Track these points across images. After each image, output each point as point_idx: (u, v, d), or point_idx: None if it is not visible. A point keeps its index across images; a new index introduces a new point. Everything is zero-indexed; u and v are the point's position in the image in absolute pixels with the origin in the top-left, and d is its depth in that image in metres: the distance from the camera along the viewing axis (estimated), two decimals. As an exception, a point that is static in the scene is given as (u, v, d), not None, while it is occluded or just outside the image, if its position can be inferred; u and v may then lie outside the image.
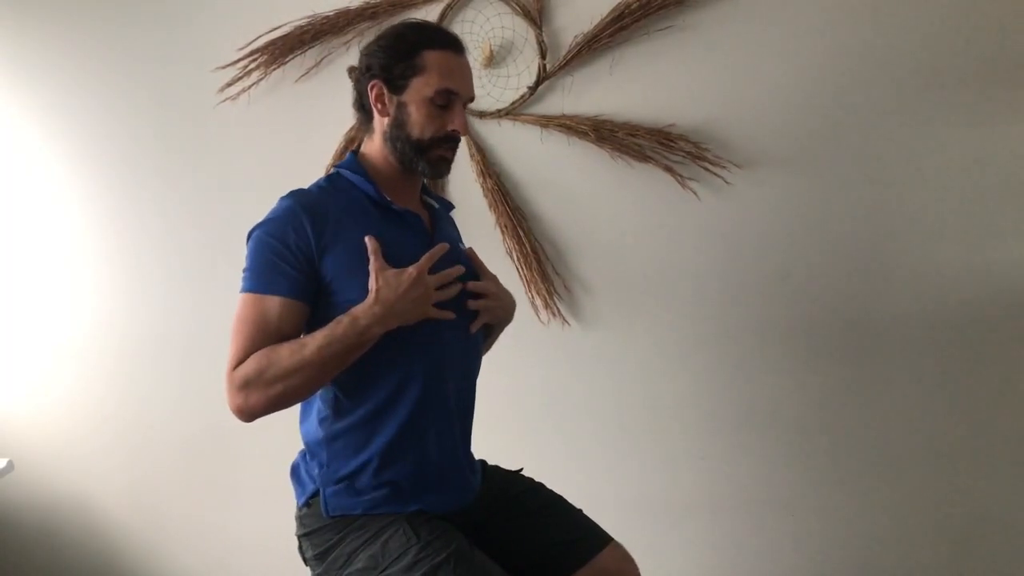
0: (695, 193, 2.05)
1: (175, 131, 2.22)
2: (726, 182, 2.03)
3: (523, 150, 2.11)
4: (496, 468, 1.62)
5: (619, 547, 1.56)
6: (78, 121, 2.25)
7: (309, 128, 2.16)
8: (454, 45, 1.43)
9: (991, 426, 2.08)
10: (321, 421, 1.44)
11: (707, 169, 2.03)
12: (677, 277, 2.11)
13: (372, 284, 1.32)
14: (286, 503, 2.32)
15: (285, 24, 2.11)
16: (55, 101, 2.25)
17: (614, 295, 2.15)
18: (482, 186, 2.11)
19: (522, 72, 2.08)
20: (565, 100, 2.08)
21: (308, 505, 1.44)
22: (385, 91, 1.42)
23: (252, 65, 2.14)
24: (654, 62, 2.04)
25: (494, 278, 1.56)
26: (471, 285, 1.48)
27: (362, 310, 1.30)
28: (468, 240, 2.14)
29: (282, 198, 1.42)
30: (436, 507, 1.42)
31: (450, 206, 1.68)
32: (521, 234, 2.10)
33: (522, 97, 2.08)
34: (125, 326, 2.30)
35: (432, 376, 1.42)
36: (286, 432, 2.27)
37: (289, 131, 2.18)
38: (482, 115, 2.10)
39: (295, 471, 1.52)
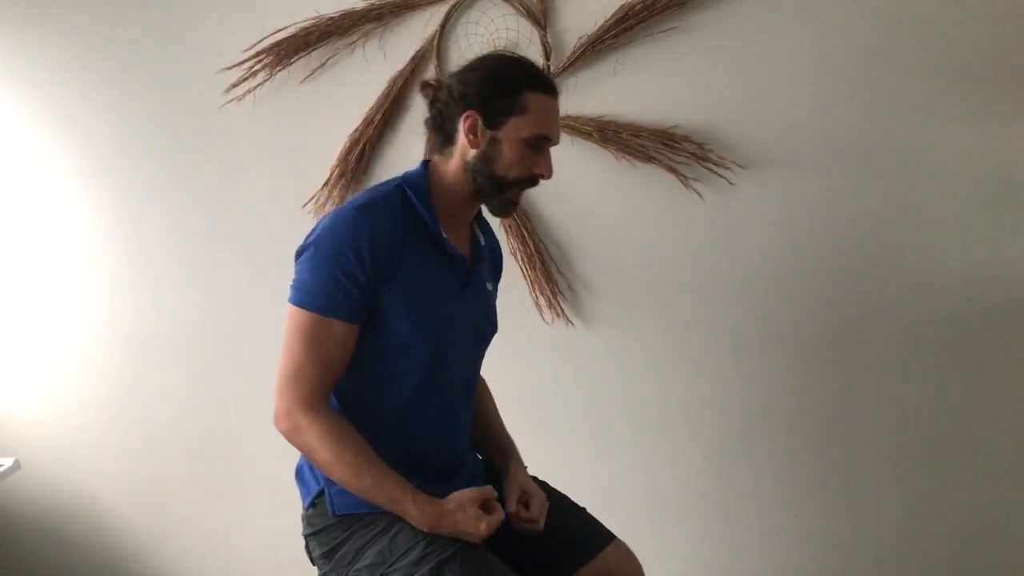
0: (699, 194, 2.05)
1: (181, 131, 2.23)
2: (730, 183, 2.04)
3: (527, 151, 2.12)
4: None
5: (622, 545, 1.57)
6: (83, 121, 2.26)
7: (314, 129, 2.17)
8: (553, 90, 1.43)
9: (993, 426, 2.08)
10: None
11: (711, 170, 2.03)
12: (680, 277, 2.12)
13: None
14: (292, 504, 2.33)
15: (290, 25, 2.11)
16: (60, 101, 2.26)
17: (617, 295, 2.15)
18: (486, 187, 2.12)
19: (526, 73, 2.09)
20: (569, 101, 2.08)
21: (314, 505, 1.45)
22: (480, 123, 1.39)
23: (257, 66, 2.15)
24: (658, 63, 2.05)
25: (542, 497, 1.51)
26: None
27: (418, 508, 1.33)
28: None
29: (353, 207, 1.37)
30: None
31: (495, 243, 1.67)
32: (525, 234, 2.10)
33: (526, 98, 2.09)
34: (131, 326, 2.31)
35: (438, 383, 1.44)
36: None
37: (294, 132, 2.18)
38: (486, 116, 2.11)
39: (300, 472, 1.52)
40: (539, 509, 1.47)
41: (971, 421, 2.08)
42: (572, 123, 2.07)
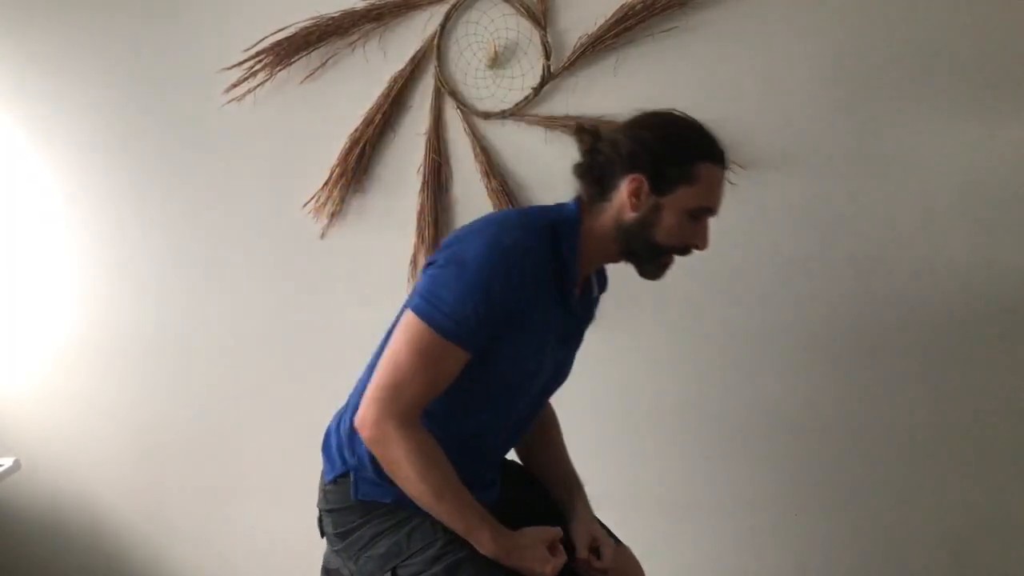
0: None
1: (181, 131, 2.23)
2: (730, 183, 2.01)
3: (527, 151, 2.12)
4: (512, 463, 1.64)
5: (625, 549, 1.57)
6: (84, 120, 2.26)
7: (314, 129, 2.17)
8: (725, 160, 1.38)
9: (994, 425, 2.08)
10: None
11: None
12: (680, 277, 2.08)
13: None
14: (293, 506, 2.34)
15: (291, 25, 2.11)
16: (60, 100, 2.25)
17: (616, 294, 2.13)
18: (486, 186, 2.12)
19: (526, 73, 2.09)
20: (569, 101, 2.09)
21: (335, 482, 1.43)
22: (646, 188, 1.33)
23: (258, 66, 2.15)
24: (658, 63, 2.05)
25: (612, 546, 1.51)
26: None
27: (494, 539, 1.31)
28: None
29: (512, 240, 1.30)
30: None
31: (604, 288, 1.62)
32: (525, 234, 2.10)
33: (526, 98, 2.09)
34: (132, 326, 2.31)
35: (508, 415, 1.44)
36: (294, 433, 2.28)
37: (294, 132, 2.18)
38: (487, 116, 2.11)
39: (327, 446, 1.50)
40: (611, 559, 1.46)
41: (973, 421, 2.08)
42: (573, 123, 2.06)
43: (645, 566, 1.58)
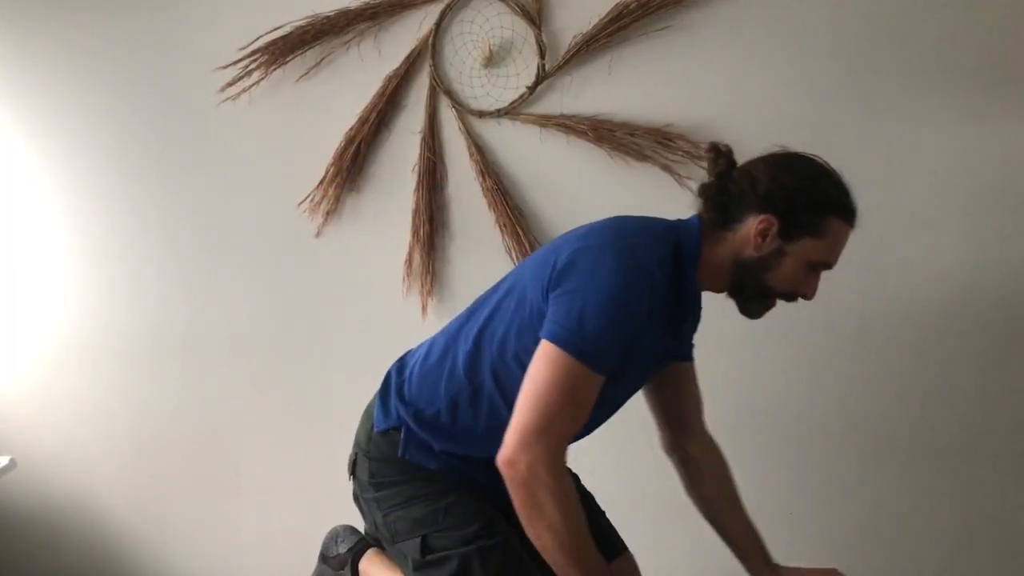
0: (693, 192, 2.05)
1: (176, 130, 2.24)
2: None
3: (522, 149, 2.12)
4: None
5: (631, 559, 1.57)
6: (79, 120, 2.26)
7: (310, 127, 2.17)
8: (855, 220, 1.36)
9: (993, 425, 2.08)
10: (458, 399, 1.35)
11: (704, 168, 2.03)
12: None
13: None
14: (288, 503, 2.35)
15: (286, 24, 2.12)
16: (55, 100, 2.26)
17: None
18: (481, 185, 2.12)
19: (521, 72, 2.09)
20: (564, 100, 2.09)
21: (386, 434, 1.40)
22: (774, 231, 1.31)
23: (253, 65, 2.15)
24: (652, 62, 2.05)
25: None
26: None
27: None
28: (467, 239, 2.16)
29: (650, 264, 1.25)
30: (498, 495, 1.39)
31: (698, 319, 1.58)
32: (520, 232, 2.11)
33: (521, 97, 2.09)
34: (127, 325, 2.32)
35: (586, 431, 1.40)
36: (290, 431, 2.29)
37: (290, 131, 2.19)
38: (481, 115, 2.11)
39: (386, 388, 1.44)
40: None
41: (972, 420, 2.08)
42: (567, 122, 2.07)
43: (641, 565, 1.58)
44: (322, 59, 2.15)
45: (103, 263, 2.31)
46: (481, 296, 1.45)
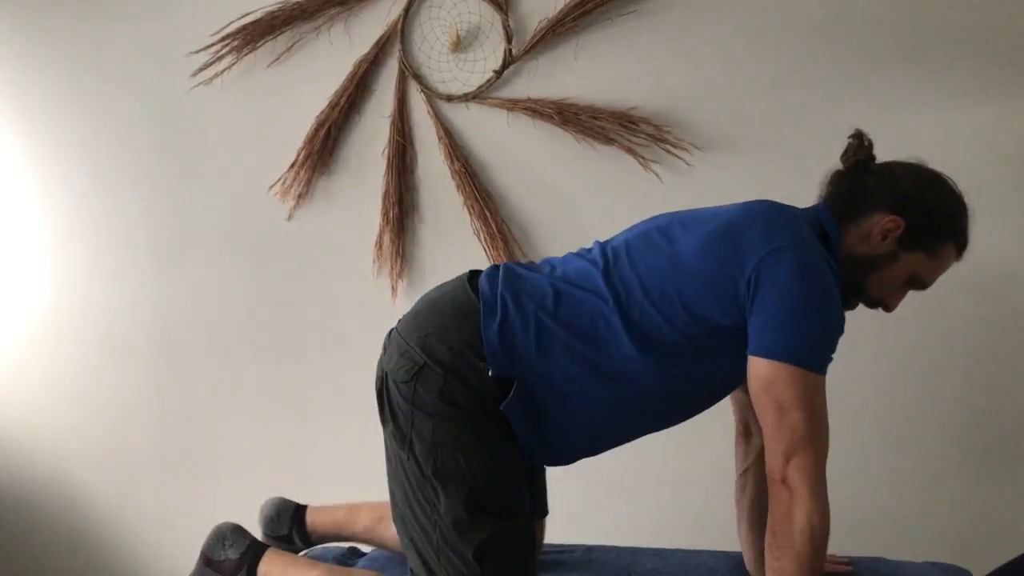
0: (657, 175, 2.09)
1: (149, 115, 2.27)
2: (687, 164, 2.07)
3: (490, 133, 2.15)
4: None
5: (544, 522, 1.59)
6: (53, 106, 2.29)
7: (281, 112, 2.21)
8: (964, 250, 1.37)
9: (992, 423, 2.08)
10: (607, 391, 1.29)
11: (668, 151, 2.07)
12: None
13: None
14: (260, 482, 2.36)
15: (257, 10, 2.15)
16: (29, 85, 2.29)
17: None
18: (450, 168, 2.15)
19: (488, 57, 2.13)
20: (531, 84, 2.12)
21: (500, 336, 1.27)
22: (898, 234, 1.31)
23: (224, 50, 2.18)
24: (617, 46, 2.08)
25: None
26: None
27: None
28: (436, 222, 2.19)
29: (816, 254, 1.25)
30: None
31: None
32: (488, 215, 2.14)
33: (488, 81, 2.13)
34: (100, 308, 2.34)
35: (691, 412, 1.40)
36: (263, 412, 2.32)
37: (261, 115, 2.22)
38: (449, 99, 2.15)
39: (505, 312, 1.30)
40: None
41: (970, 418, 2.08)
42: (533, 106, 2.10)
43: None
44: (293, 44, 2.18)
45: (76, 248, 2.34)
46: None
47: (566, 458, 1.41)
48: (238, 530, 1.51)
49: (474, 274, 1.40)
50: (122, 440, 2.38)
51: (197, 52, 2.18)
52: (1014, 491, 2.07)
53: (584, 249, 1.43)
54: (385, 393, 1.34)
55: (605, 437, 1.38)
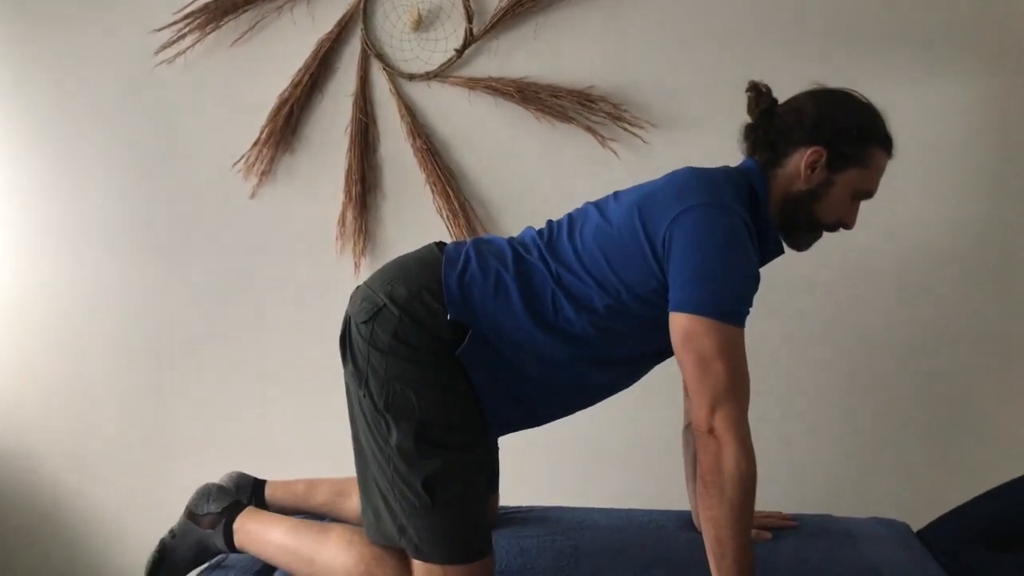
0: (615, 152, 2.14)
1: (111, 94, 2.26)
2: (644, 141, 2.13)
3: (451, 111, 2.19)
4: None
5: (497, 498, 1.65)
6: (15, 83, 2.28)
7: (244, 91, 2.22)
8: (892, 149, 1.41)
9: (928, 391, 2.16)
10: (547, 318, 1.33)
11: (626, 129, 2.12)
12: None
13: None
14: (221, 457, 2.37)
15: (220, -13, 2.17)
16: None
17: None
18: (412, 146, 2.18)
19: (449, 36, 2.16)
20: (491, 63, 2.16)
21: (441, 302, 1.32)
22: (823, 162, 1.36)
23: (187, 29, 2.19)
24: (576, 26, 2.13)
25: None
26: None
27: None
28: (398, 199, 2.23)
29: (729, 211, 1.29)
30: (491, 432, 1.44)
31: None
32: (450, 192, 2.18)
33: (450, 60, 2.16)
34: (66, 286, 2.34)
35: (633, 374, 1.45)
36: (226, 389, 2.33)
37: (225, 93, 2.24)
38: (411, 77, 2.18)
39: (467, 264, 1.37)
40: None
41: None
42: (494, 84, 2.14)
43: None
44: (256, 23, 2.20)
45: (42, 226, 2.33)
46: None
47: (529, 416, 1.45)
48: (223, 489, 1.57)
49: (443, 244, 1.47)
50: (84, 422, 2.38)
51: (160, 30, 2.19)
52: (947, 452, 2.17)
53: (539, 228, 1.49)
54: (347, 336, 1.39)
55: (561, 394, 1.43)
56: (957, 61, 2.08)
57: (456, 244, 1.44)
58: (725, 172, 1.40)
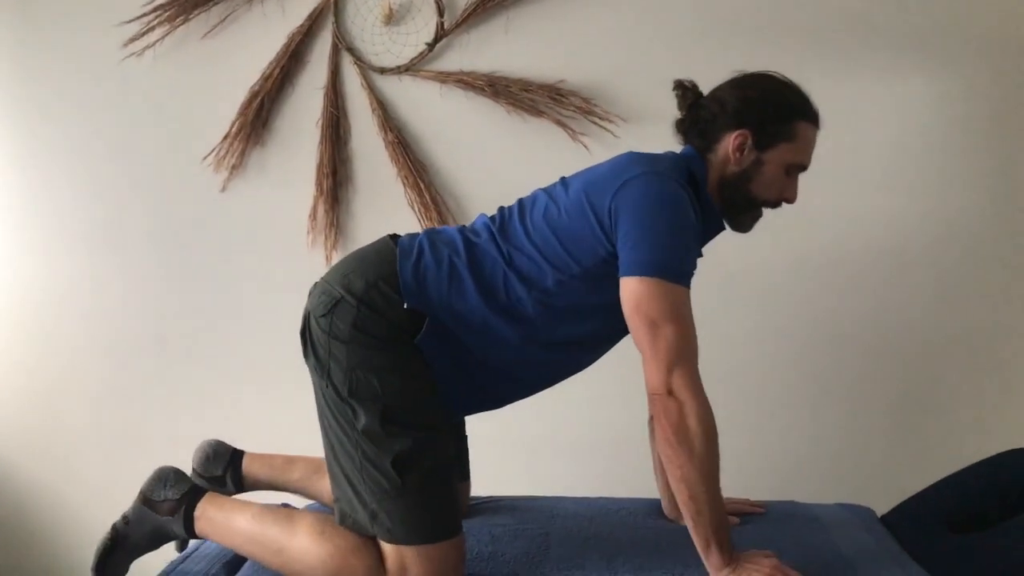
0: (586, 146, 2.16)
1: (78, 87, 2.25)
2: (614, 135, 2.15)
3: (423, 105, 2.20)
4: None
5: (469, 485, 1.68)
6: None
7: (214, 84, 2.22)
8: (819, 121, 1.46)
9: (892, 382, 2.20)
10: (494, 294, 1.36)
11: (596, 123, 2.14)
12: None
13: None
14: (192, 453, 2.36)
15: (189, -20, 2.16)
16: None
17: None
18: (383, 140, 2.19)
19: (421, 30, 2.17)
20: (463, 57, 2.18)
21: (414, 276, 1.36)
22: (750, 143, 1.41)
23: (156, 21, 2.18)
24: (546, 21, 2.15)
25: None
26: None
27: (724, 550, 1.28)
28: (370, 192, 2.23)
29: (669, 179, 1.34)
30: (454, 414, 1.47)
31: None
32: (422, 186, 2.19)
33: (421, 54, 2.17)
34: (33, 280, 2.32)
35: (592, 352, 1.47)
36: (195, 382, 2.32)
37: (194, 86, 2.23)
38: (383, 71, 2.18)
39: (420, 254, 1.40)
40: None
41: (871, 375, 2.18)
42: (466, 78, 2.15)
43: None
44: (226, 16, 2.19)
45: (7, 222, 2.31)
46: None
47: (491, 398, 1.48)
48: (180, 474, 1.53)
49: (396, 236, 1.49)
50: (54, 412, 2.36)
51: (128, 22, 2.18)
52: (909, 440, 2.21)
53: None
54: (307, 331, 1.41)
55: (518, 376, 1.45)
56: (923, 60, 2.13)
57: (410, 236, 1.46)
58: (666, 154, 1.47)
